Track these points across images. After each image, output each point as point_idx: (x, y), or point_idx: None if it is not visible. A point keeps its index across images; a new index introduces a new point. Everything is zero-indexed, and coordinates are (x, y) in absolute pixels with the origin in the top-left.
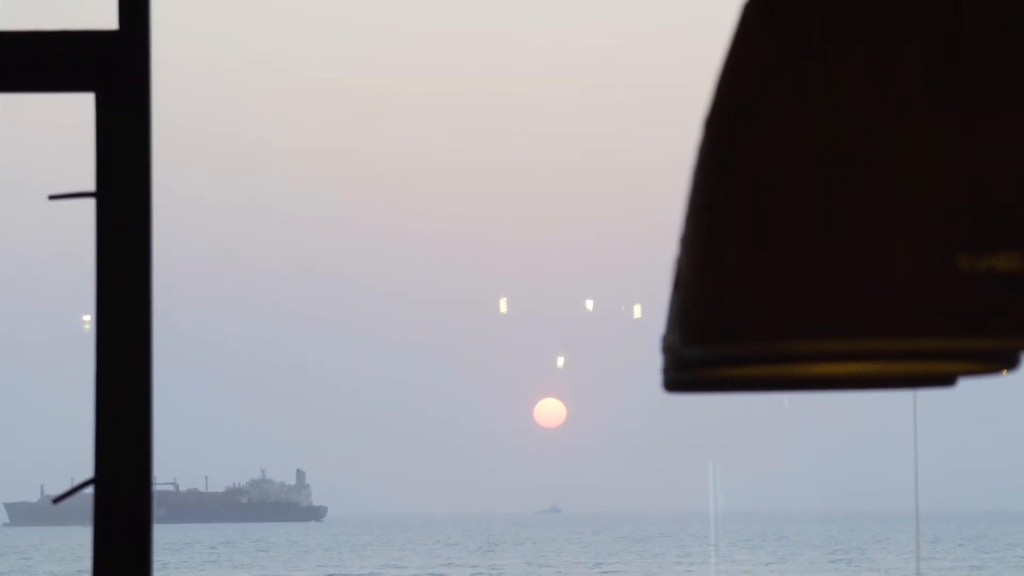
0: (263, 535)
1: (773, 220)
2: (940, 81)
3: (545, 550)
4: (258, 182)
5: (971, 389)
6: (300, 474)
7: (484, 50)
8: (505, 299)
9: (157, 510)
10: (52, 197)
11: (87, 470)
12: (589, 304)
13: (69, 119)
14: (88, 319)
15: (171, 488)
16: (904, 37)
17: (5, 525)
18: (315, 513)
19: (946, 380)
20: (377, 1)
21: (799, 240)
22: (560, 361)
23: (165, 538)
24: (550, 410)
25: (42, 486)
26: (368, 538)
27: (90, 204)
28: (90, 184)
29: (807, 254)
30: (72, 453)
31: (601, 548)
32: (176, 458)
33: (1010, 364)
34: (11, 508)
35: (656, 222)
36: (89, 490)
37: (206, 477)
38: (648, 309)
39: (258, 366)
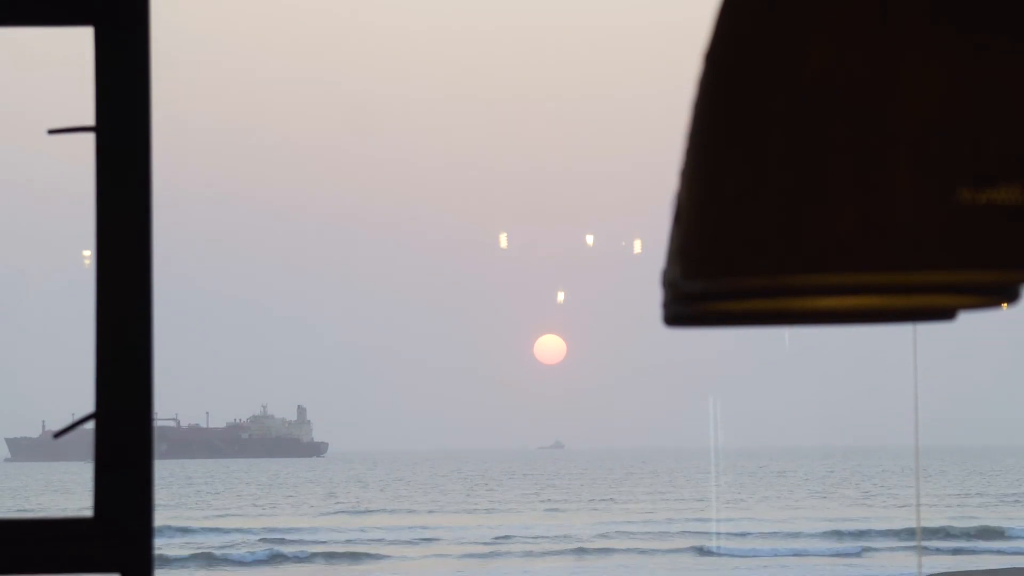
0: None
1: (773, 153)
2: (944, 14)
3: (560, 486)
4: (255, 119)
5: (971, 323)
6: (301, 410)
7: None
8: (505, 234)
9: (158, 445)
10: (52, 131)
11: (88, 405)
12: (589, 239)
13: (68, 53)
14: (88, 254)
15: (172, 424)
16: None
17: (6, 460)
18: (316, 449)
19: (946, 314)
20: None
21: (799, 173)
22: (560, 296)
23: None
24: (550, 346)
25: (43, 421)
26: (379, 474)
27: (90, 138)
28: (90, 119)
29: (807, 187)
30: (73, 388)
31: (617, 484)
32: (177, 394)
33: (1010, 298)
34: (12, 443)
35: (657, 156)
36: (90, 425)
37: (207, 412)
38: (648, 244)
39: (258, 304)
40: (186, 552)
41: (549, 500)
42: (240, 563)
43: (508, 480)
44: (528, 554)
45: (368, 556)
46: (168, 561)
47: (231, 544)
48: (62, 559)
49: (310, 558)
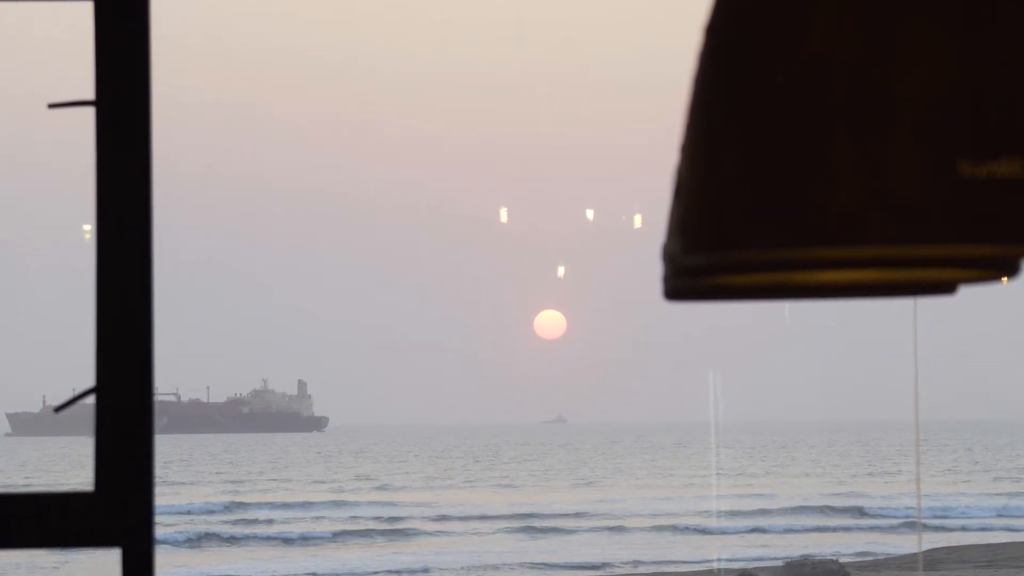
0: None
1: (773, 127)
2: None
3: (579, 462)
4: (256, 97)
5: (971, 297)
6: (301, 384)
7: None
8: (505, 209)
9: (158, 419)
10: (52, 105)
11: (88, 379)
12: (590, 214)
13: (68, 27)
14: (88, 228)
15: (173, 398)
16: None
17: (7, 435)
18: (316, 423)
19: (946, 287)
20: None
21: (799, 147)
22: (561, 271)
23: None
24: (550, 322)
25: (44, 396)
26: (390, 449)
27: (90, 112)
28: (90, 92)
29: (807, 161)
30: (73, 363)
31: (621, 460)
32: (178, 369)
33: (1011, 271)
34: (13, 418)
35: (657, 130)
36: (90, 399)
37: (207, 387)
38: (649, 218)
39: (259, 280)
40: (202, 529)
41: (562, 476)
42: (282, 541)
43: (520, 455)
44: (554, 530)
45: (403, 532)
46: (201, 538)
47: (259, 521)
48: (63, 533)
49: (344, 535)
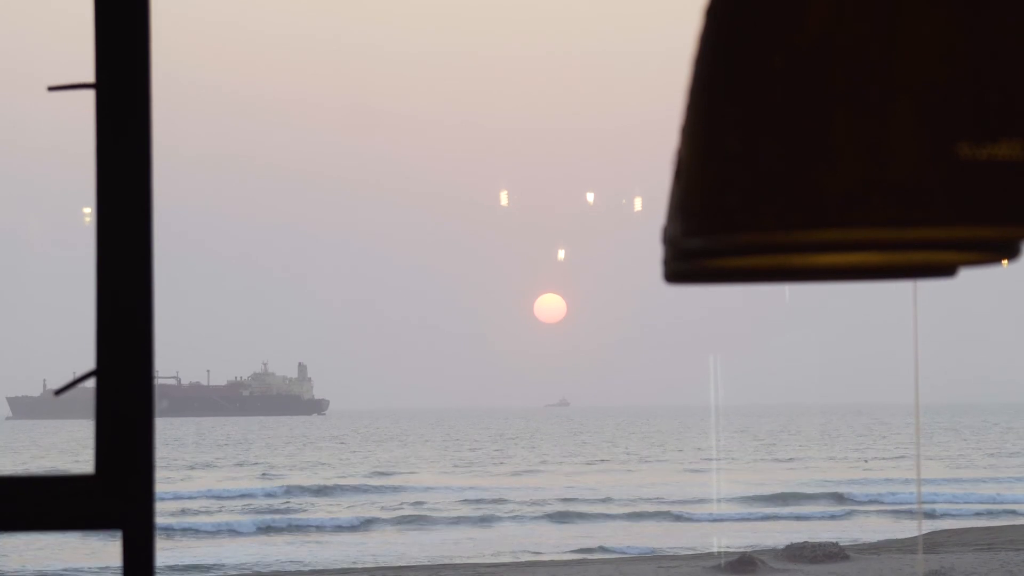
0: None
1: (774, 110)
2: None
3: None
4: (256, 78)
5: (971, 279)
6: (302, 367)
7: None
8: (505, 192)
9: (159, 402)
10: (51, 88)
11: (89, 362)
12: (590, 197)
13: (68, 10)
14: (88, 211)
15: (173, 382)
16: None
17: (8, 419)
18: (317, 406)
19: (946, 270)
20: None
21: (799, 129)
22: (561, 254)
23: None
24: (550, 305)
25: (44, 379)
26: (400, 433)
27: (90, 95)
28: (90, 75)
29: (807, 143)
30: (74, 346)
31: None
32: (179, 352)
33: (1011, 253)
34: (14, 402)
35: (657, 112)
36: (91, 383)
37: (208, 370)
38: (649, 201)
39: (258, 263)
40: (243, 516)
41: (570, 462)
42: (315, 528)
43: (532, 440)
44: (583, 516)
45: (424, 520)
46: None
47: (286, 508)
48: (63, 517)
49: (371, 523)
